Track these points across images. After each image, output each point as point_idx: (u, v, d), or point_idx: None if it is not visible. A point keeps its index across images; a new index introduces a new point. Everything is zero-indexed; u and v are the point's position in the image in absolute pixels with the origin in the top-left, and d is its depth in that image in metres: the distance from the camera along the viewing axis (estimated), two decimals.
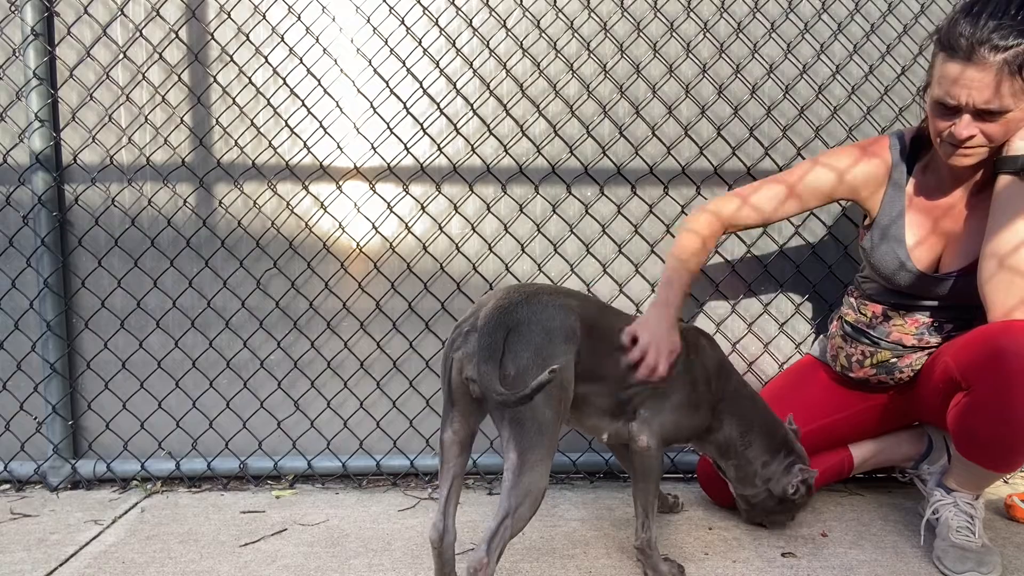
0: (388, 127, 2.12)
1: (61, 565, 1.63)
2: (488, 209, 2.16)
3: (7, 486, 2.16)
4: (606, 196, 2.16)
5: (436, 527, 1.38)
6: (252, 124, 2.12)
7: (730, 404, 1.62)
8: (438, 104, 2.13)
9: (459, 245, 2.16)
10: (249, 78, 2.11)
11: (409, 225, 2.16)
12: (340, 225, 2.15)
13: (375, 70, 2.10)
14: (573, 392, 1.43)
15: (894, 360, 1.72)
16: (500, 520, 1.26)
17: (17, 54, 2.07)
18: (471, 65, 2.13)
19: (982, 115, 1.45)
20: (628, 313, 1.61)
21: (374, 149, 2.13)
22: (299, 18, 2.09)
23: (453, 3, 2.11)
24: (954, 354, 1.54)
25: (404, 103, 2.12)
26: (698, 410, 1.57)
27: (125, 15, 2.09)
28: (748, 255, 2.18)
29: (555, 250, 2.17)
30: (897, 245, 1.66)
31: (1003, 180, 1.50)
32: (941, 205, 1.65)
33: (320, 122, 2.11)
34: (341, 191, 2.14)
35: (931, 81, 1.51)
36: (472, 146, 2.14)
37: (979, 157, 1.52)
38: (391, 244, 2.16)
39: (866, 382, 1.78)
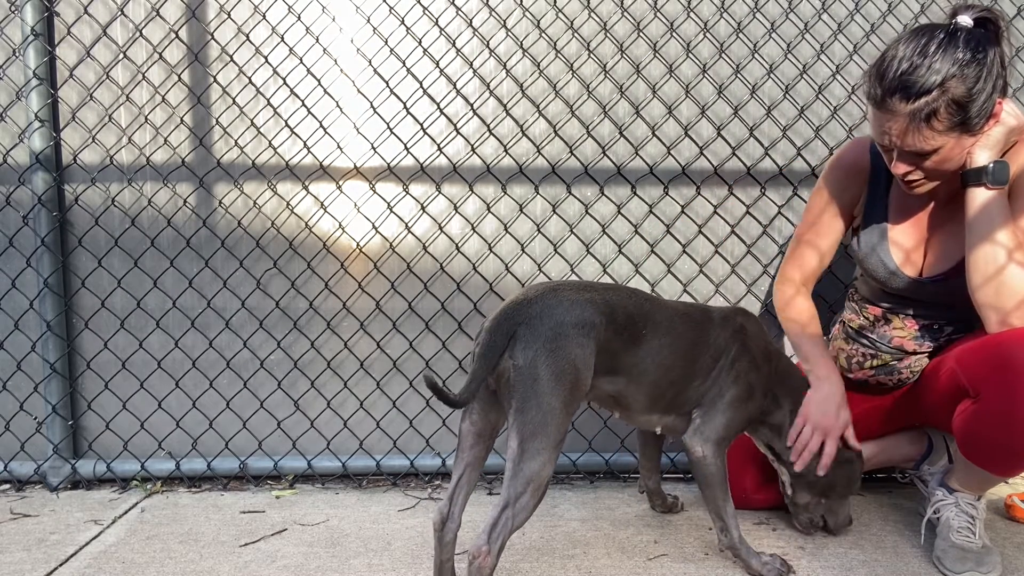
0: (388, 127, 2.12)
1: (61, 565, 1.63)
2: (488, 209, 2.16)
3: (7, 486, 2.16)
4: (606, 196, 2.16)
5: (441, 511, 1.38)
6: (252, 124, 2.12)
7: (782, 385, 1.61)
8: (438, 104, 2.13)
9: (459, 245, 2.16)
10: (249, 78, 2.11)
11: (409, 225, 2.16)
12: (340, 225, 2.15)
13: (375, 70, 2.10)
14: (604, 389, 1.43)
15: (894, 363, 1.73)
16: (501, 510, 1.26)
17: (17, 54, 2.07)
18: (471, 65, 2.13)
19: (912, 154, 1.49)
20: (677, 302, 1.59)
21: (374, 149, 2.13)
22: (299, 18, 2.09)
23: (453, 3, 2.11)
24: (960, 360, 1.54)
25: (404, 103, 2.12)
26: (751, 399, 1.56)
27: (125, 15, 2.09)
28: (747, 255, 2.18)
29: (555, 250, 2.17)
30: (884, 255, 1.69)
31: (972, 193, 1.52)
32: (919, 209, 1.69)
33: (320, 122, 2.11)
34: (341, 191, 2.14)
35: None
36: (472, 146, 2.14)
37: (931, 185, 1.55)
38: (391, 244, 2.16)
39: (865, 383, 1.79)
